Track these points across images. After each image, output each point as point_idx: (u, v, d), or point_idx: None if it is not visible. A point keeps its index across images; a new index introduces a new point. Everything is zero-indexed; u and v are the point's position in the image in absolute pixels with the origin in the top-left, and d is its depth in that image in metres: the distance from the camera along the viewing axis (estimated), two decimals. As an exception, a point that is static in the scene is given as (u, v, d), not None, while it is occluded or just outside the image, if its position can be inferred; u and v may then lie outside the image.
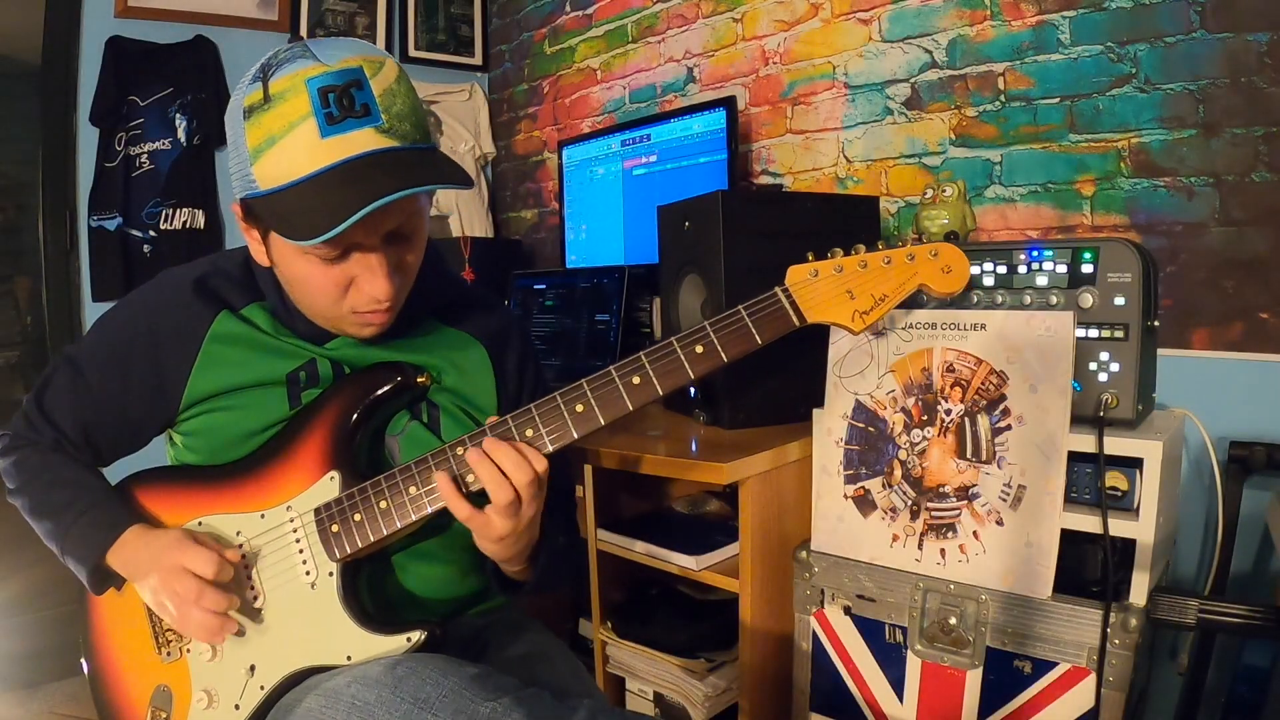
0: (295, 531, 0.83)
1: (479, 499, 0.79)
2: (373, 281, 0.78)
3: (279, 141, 0.72)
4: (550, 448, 0.80)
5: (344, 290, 0.80)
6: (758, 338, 0.81)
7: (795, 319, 0.82)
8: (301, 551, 0.83)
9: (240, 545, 0.85)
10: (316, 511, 0.83)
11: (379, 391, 0.86)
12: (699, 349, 0.80)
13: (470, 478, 0.79)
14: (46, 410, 0.90)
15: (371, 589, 0.86)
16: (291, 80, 0.72)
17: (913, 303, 1.13)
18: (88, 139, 2.11)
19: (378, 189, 0.69)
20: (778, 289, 0.82)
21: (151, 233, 2.18)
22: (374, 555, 0.85)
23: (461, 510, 0.78)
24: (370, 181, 0.70)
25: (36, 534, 0.89)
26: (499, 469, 0.77)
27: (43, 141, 2.09)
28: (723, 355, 0.80)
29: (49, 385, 0.91)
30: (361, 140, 0.72)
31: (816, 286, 0.82)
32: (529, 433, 0.80)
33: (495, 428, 0.80)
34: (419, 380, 0.88)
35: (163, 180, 2.19)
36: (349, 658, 0.79)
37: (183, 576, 0.78)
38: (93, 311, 2.13)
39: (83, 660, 0.93)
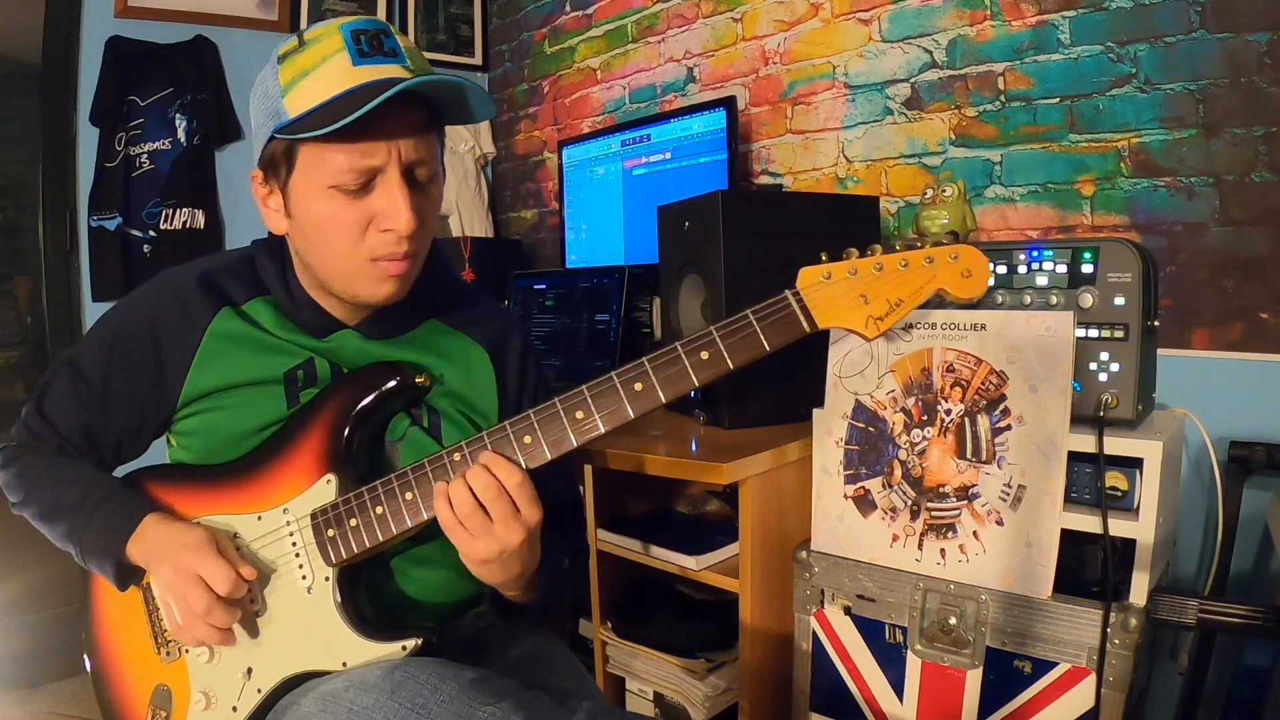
0: (292, 535, 0.83)
1: None
2: (395, 214, 0.79)
3: (311, 73, 0.76)
4: (549, 456, 0.78)
5: (364, 230, 0.80)
6: (766, 344, 0.76)
7: (806, 324, 0.77)
8: (298, 555, 0.83)
9: (238, 548, 0.84)
10: (313, 515, 0.82)
11: (376, 391, 0.86)
12: (704, 355, 0.77)
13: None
14: (48, 415, 0.90)
15: (371, 594, 0.86)
16: (325, 28, 0.78)
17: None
18: (88, 139, 2.11)
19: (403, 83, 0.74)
20: (788, 292, 0.77)
21: (151, 233, 2.18)
22: (372, 560, 0.85)
23: (445, 519, 0.77)
24: (397, 84, 0.74)
25: (36, 535, 0.89)
26: (470, 489, 0.76)
27: (43, 141, 2.09)
28: (729, 362, 0.76)
29: (48, 390, 0.90)
30: (389, 71, 0.76)
31: (829, 290, 0.77)
32: (527, 440, 0.78)
33: (493, 435, 0.79)
34: (418, 380, 0.87)
35: (163, 180, 2.18)
36: (344, 663, 0.79)
37: (196, 586, 0.77)
38: (93, 311, 2.13)
39: (86, 658, 0.93)
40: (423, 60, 0.80)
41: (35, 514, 0.88)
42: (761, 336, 0.77)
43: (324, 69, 0.76)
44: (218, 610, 0.77)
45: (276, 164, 0.81)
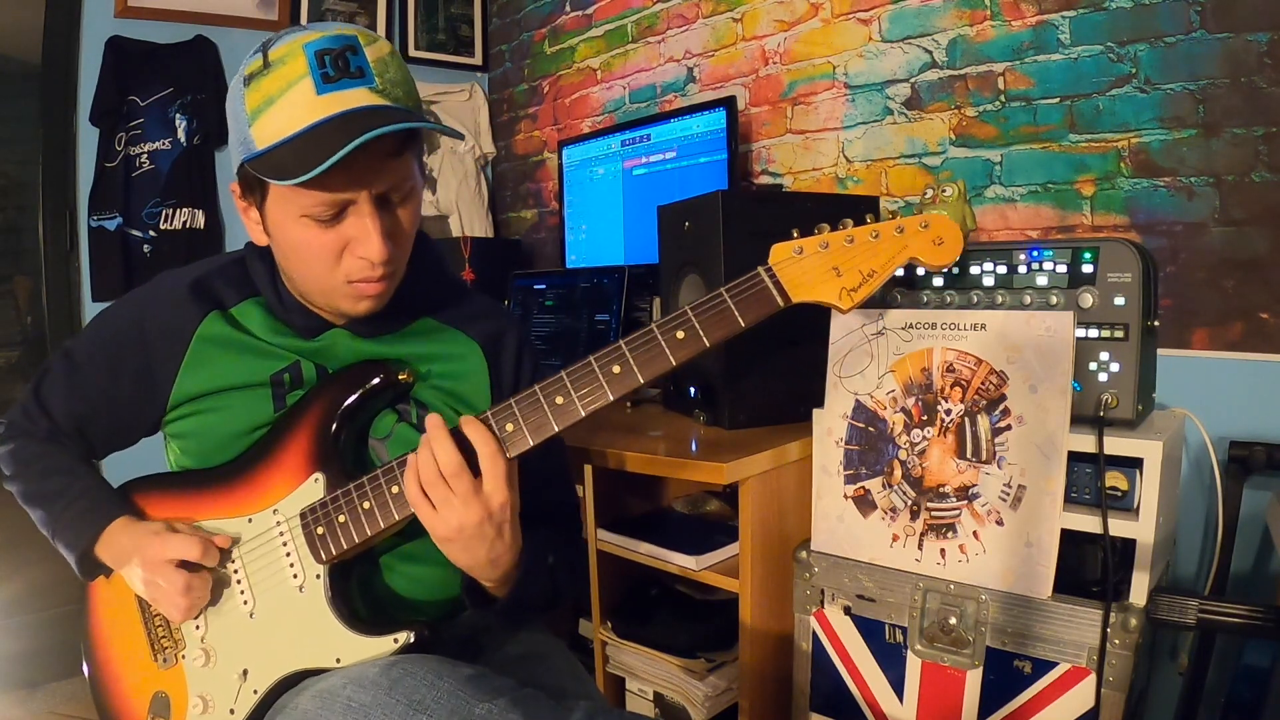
0: (282, 535, 0.83)
1: None
2: (367, 242, 0.78)
3: (276, 101, 0.74)
4: (531, 441, 0.78)
5: (338, 255, 0.80)
6: (740, 320, 0.77)
7: (779, 299, 0.78)
8: (289, 555, 0.83)
9: (231, 551, 0.85)
10: (302, 514, 0.83)
11: (361, 389, 0.86)
12: (680, 334, 0.77)
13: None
14: (43, 400, 0.93)
15: (364, 591, 0.86)
16: (290, 47, 0.75)
17: (912, 301, 1.13)
18: (88, 139, 2.11)
19: (369, 128, 0.71)
20: (760, 268, 0.78)
21: (151, 233, 2.18)
22: (363, 557, 0.85)
23: (411, 493, 0.77)
24: (363, 126, 0.72)
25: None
26: (432, 453, 0.76)
27: (43, 141, 2.09)
28: (704, 340, 0.77)
29: (46, 377, 0.93)
30: (356, 97, 0.74)
31: (801, 264, 0.78)
32: (509, 427, 0.78)
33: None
34: (401, 377, 0.87)
35: (163, 180, 2.18)
36: (338, 660, 0.79)
37: (167, 569, 0.80)
38: (93, 311, 2.13)
39: (84, 664, 0.93)
40: (397, 70, 0.78)
41: (19, 493, 0.92)
42: (736, 313, 0.77)
43: (288, 98, 0.74)
44: (196, 583, 0.81)
45: (251, 187, 0.81)
